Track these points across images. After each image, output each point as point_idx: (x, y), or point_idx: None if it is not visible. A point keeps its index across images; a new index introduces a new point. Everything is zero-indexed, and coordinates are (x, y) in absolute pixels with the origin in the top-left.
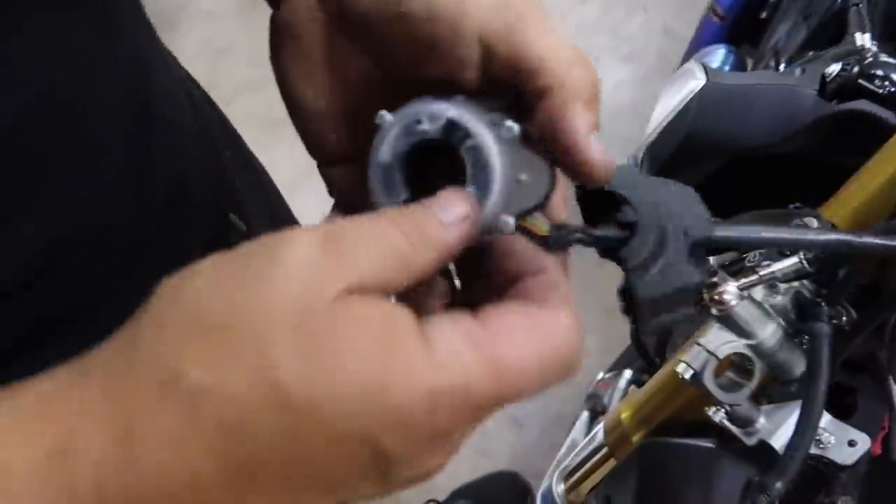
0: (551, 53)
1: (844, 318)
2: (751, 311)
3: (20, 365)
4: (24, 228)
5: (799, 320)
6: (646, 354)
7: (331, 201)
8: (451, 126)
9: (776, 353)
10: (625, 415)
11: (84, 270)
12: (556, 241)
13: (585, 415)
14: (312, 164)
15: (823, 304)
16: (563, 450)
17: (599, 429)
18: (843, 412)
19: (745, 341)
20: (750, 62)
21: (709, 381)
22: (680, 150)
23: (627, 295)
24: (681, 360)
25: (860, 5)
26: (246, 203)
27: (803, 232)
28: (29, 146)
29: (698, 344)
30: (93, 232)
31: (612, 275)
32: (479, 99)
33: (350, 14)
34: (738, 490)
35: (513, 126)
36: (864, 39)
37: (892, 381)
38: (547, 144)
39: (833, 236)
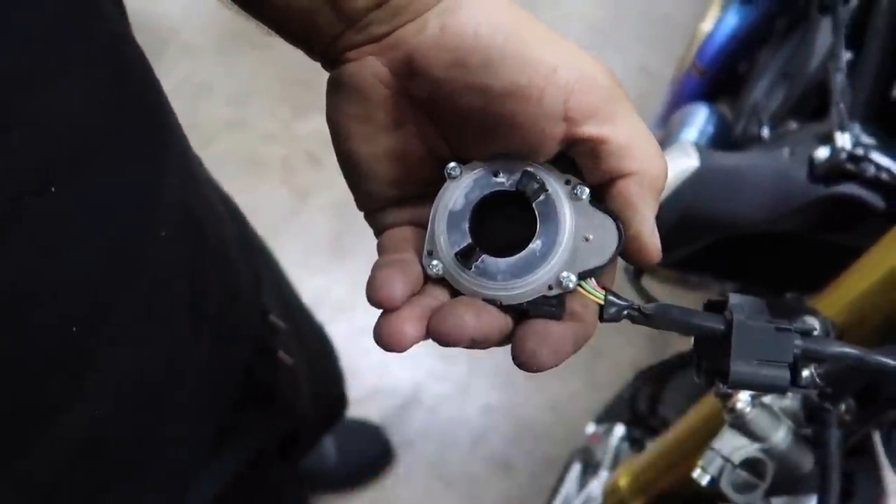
0: (635, 141)
1: (848, 417)
2: (763, 417)
3: None
4: (92, 373)
5: (808, 423)
6: (644, 424)
7: (312, 243)
8: (527, 178)
9: (787, 454)
10: (623, 481)
11: (148, 409)
12: (613, 316)
13: (578, 468)
14: (293, 204)
15: (831, 407)
16: (557, 502)
17: (594, 486)
18: (844, 496)
19: (757, 445)
20: (728, 116)
21: (726, 487)
22: (675, 229)
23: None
24: (698, 466)
25: (841, 105)
26: (270, 296)
27: (831, 344)
28: (100, 290)
29: (712, 449)
30: (157, 366)
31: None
32: (547, 163)
33: (421, 79)
34: None
35: (585, 188)
36: (843, 140)
37: (885, 465)
38: (614, 214)
39: (849, 351)
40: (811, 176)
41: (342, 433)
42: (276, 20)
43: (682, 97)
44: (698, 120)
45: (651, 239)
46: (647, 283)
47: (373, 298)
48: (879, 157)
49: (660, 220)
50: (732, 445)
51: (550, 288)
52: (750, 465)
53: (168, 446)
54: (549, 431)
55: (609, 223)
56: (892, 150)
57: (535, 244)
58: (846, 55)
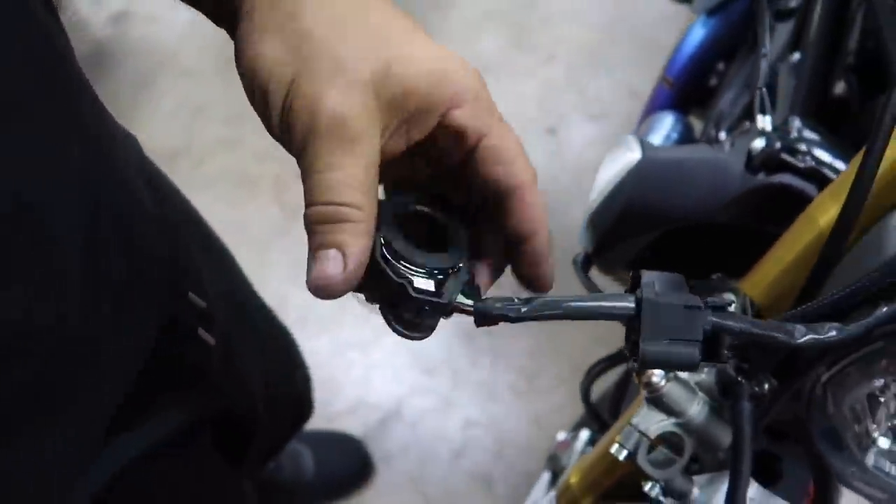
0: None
1: (766, 386)
2: (678, 392)
3: None
4: None
5: (722, 397)
6: (600, 421)
7: (301, 259)
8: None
9: (704, 429)
10: (574, 479)
11: (41, 360)
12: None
13: (547, 476)
14: (284, 222)
15: (744, 381)
16: None
17: (552, 492)
18: (769, 478)
19: (674, 420)
20: (699, 127)
21: (642, 460)
22: (619, 221)
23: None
24: (615, 441)
25: (762, 89)
26: (206, 282)
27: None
28: None
29: (630, 424)
30: (50, 321)
31: (579, 333)
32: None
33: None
34: None
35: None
36: (764, 122)
37: (815, 445)
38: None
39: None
40: (748, 167)
41: (321, 446)
42: None
43: (653, 107)
44: (663, 127)
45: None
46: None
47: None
48: (818, 152)
49: (604, 213)
50: (649, 421)
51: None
52: (669, 441)
53: (65, 403)
54: (532, 446)
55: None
56: (833, 145)
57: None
58: (794, 55)
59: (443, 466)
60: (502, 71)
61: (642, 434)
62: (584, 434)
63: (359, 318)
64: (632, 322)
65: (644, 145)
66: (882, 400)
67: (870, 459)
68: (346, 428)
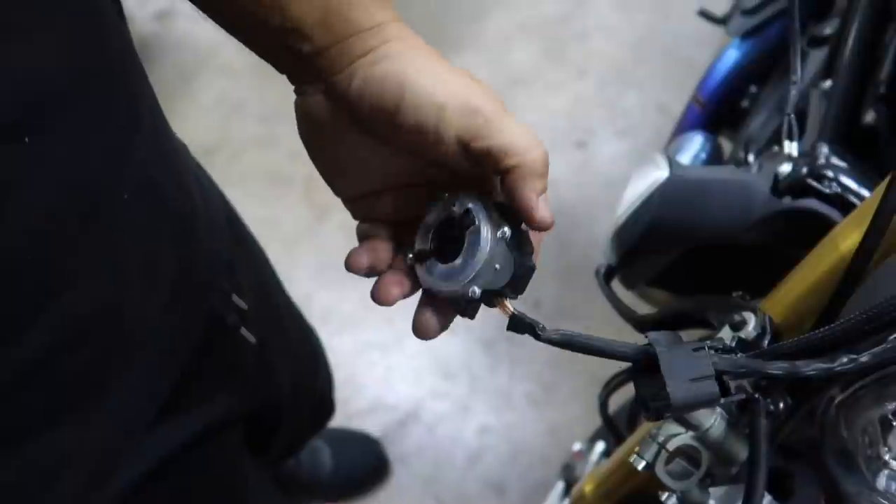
0: (513, 143)
1: (781, 405)
2: None
3: (36, 444)
4: (49, 307)
5: (739, 412)
6: (616, 432)
7: (326, 259)
8: (466, 214)
9: (721, 443)
10: (588, 488)
11: (97, 348)
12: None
13: (561, 485)
14: (313, 222)
15: (760, 397)
16: None
17: (567, 501)
18: (782, 495)
19: (692, 433)
20: (729, 148)
21: (661, 471)
22: (643, 237)
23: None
24: (633, 452)
25: (791, 115)
26: (242, 281)
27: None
28: (59, 234)
29: (649, 436)
30: (106, 313)
31: None
32: (497, 203)
33: (353, 115)
34: None
35: (507, 230)
36: (791, 147)
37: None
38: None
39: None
40: (774, 190)
41: (340, 444)
42: (253, 46)
43: (683, 127)
44: (693, 147)
45: (536, 209)
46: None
47: (348, 267)
48: (845, 179)
49: (629, 228)
50: (668, 433)
51: (474, 293)
52: (687, 454)
53: (115, 391)
54: (547, 455)
55: (511, 260)
56: (859, 173)
57: (458, 261)
58: (826, 82)
59: (457, 471)
60: (535, 83)
61: (661, 446)
62: (600, 445)
63: (381, 319)
64: (641, 378)
65: (672, 163)
66: (895, 424)
67: (881, 482)
68: (364, 427)
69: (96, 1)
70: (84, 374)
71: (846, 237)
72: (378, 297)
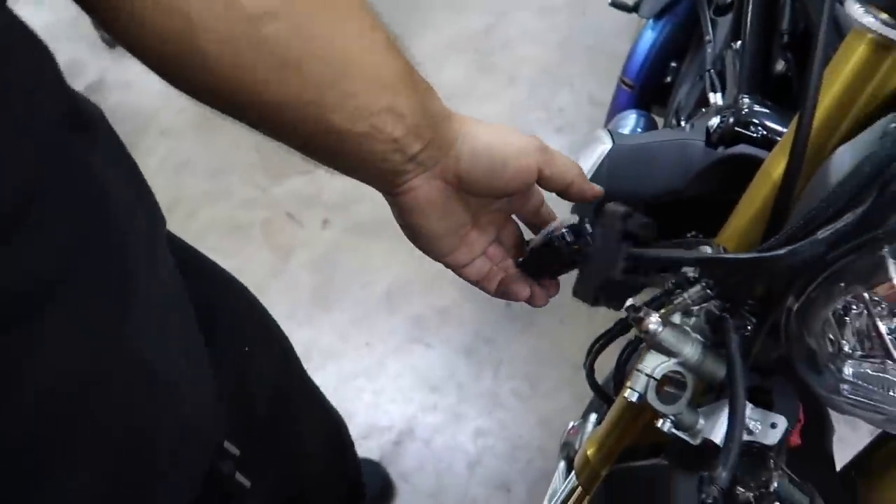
0: (562, 168)
1: (749, 327)
2: (674, 335)
3: None
4: (45, 486)
5: (713, 334)
6: (604, 395)
7: (297, 298)
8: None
9: (701, 365)
10: (590, 451)
11: None
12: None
13: (562, 465)
14: (277, 263)
15: (728, 316)
16: (545, 501)
17: (572, 474)
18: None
19: (674, 360)
20: (661, 122)
21: (652, 399)
22: (598, 207)
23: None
24: (627, 387)
25: (711, 70)
26: (254, 381)
27: (686, 252)
28: (48, 420)
29: (638, 370)
30: (103, 491)
31: (577, 335)
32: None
33: (468, 184)
34: (691, 496)
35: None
36: (716, 98)
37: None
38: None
39: (705, 254)
40: (708, 142)
41: None
42: (353, 171)
43: (616, 109)
44: (629, 123)
45: (586, 185)
46: None
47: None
48: (768, 122)
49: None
50: (653, 363)
51: None
52: (673, 381)
53: None
54: (543, 446)
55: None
56: (779, 115)
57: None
58: (736, 43)
59: (460, 478)
60: (470, 96)
61: (649, 376)
62: (593, 417)
63: (360, 346)
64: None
65: (614, 135)
66: (847, 319)
67: (847, 373)
68: (362, 453)
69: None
70: None
71: (776, 166)
72: (535, 302)
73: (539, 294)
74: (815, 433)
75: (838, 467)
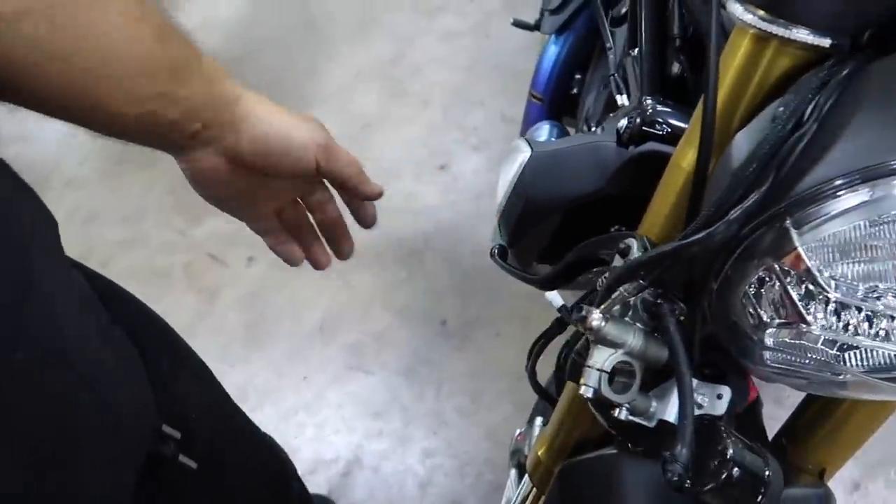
0: (347, 161)
1: (677, 311)
2: (616, 327)
3: None
4: None
5: (651, 321)
6: (548, 396)
7: (227, 338)
8: None
9: (646, 351)
10: (541, 451)
11: None
12: None
13: (513, 472)
14: (202, 305)
15: (663, 302)
16: None
17: (526, 477)
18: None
19: (620, 351)
20: (573, 131)
21: (606, 391)
22: (524, 213)
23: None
24: (581, 384)
25: (615, 75)
26: (183, 397)
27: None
28: None
29: (588, 367)
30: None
31: (514, 346)
32: None
33: (241, 162)
34: (641, 483)
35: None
36: (623, 99)
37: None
38: None
39: (637, 260)
40: (619, 143)
41: None
42: (143, 143)
43: (529, 122)
44: (543, 134)
45: (375, 188)
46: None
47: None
48: (671, 120)
49: (510, 208)
50: (602, 358)
51: None
52: (622, 371)
53: None
54: (491, 458)
55: None
56: (681, 112)
57: None
58: (634, 51)
59: (412, 500)
60: (385, 123)
61: (600, 370)
62: (539, 420)
63: (297, 381)
64: None
65: (532, 143)
66: (763, 291)
67: (769, 341)
68: (311, 489)
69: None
70: None
71: (684, 157)
72: (318, 264)
73: (316, 256)
74: (748, 409)
75: (770, 438)
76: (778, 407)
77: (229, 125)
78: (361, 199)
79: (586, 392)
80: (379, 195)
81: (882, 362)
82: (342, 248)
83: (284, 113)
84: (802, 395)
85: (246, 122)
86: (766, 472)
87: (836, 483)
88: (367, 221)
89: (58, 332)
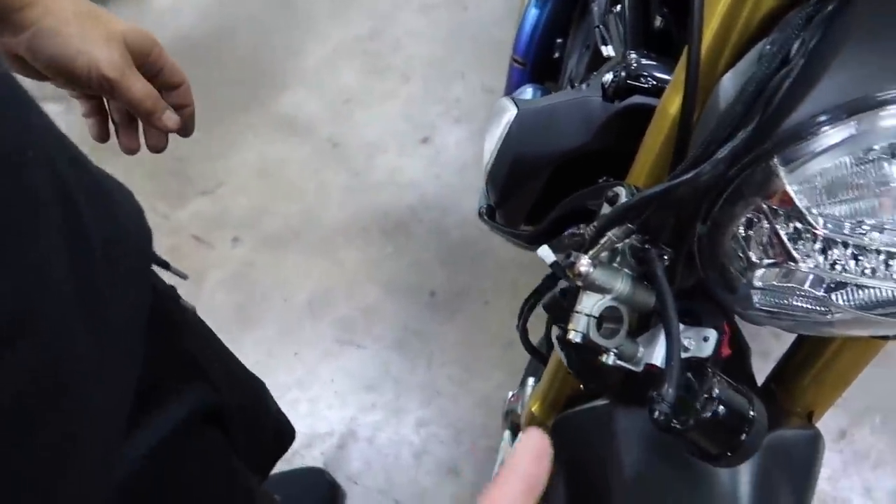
0: (139, 94)
1: (666, 257)
2: (604, 273)
3: None
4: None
5: (638, 266)
6: (539, 354)
7: (217, 320)
8: None
9: (633, 296)
10: (534, 407)
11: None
12: None
13: (507, 434)
14: (191, 290)
15: (650, 247)
16: (496, 468)
17: (520, 435)
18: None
19: (608, 296)
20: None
21: (595, 336)
22: (512, 171)
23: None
24: (570, 330)
25: (599, 27)
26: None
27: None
28: None
29: (577, 312)
30: None
31: (503, 314)
32: None
33: (32, 64)
34: (633, 430)
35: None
36: (608, 51)
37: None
38: None
39: (626, 204)
40: (605, 97)
41: (286, 487)
42: None
43: (512, 87)
44: (527, 97)
45: (158, 113)
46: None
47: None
48: (656, 73)
49: (498, 167)
50: (590, 303)
51: None
52: (610, 317)
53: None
54: (486, 424)
55: None
56: (665, 65)
57: None
58: (616, 7)
59: (408, 470)
60: (366, 98)
61: (589, 315)
62: (531, 380)
63: (288, 358)
64: None
65: (517, 102)
66: (751, 232)
67: (758, 282)
68: (306, 463)
69: None
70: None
71: (671, 103)
72: (124, 148)
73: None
74: (736, 356)
75: (759, 384)
76: (764, 360)
77: (19, 29)
78: (155, 128)
79: (575, 337)
80: (166, 131)
81: (867, 300)
82: (149, 141)
83: (79, 31)
84: (788, 346)
85: (40, 32)
86: (751, 411)
87: (823, 431)
88: (156, 147)
89: None
